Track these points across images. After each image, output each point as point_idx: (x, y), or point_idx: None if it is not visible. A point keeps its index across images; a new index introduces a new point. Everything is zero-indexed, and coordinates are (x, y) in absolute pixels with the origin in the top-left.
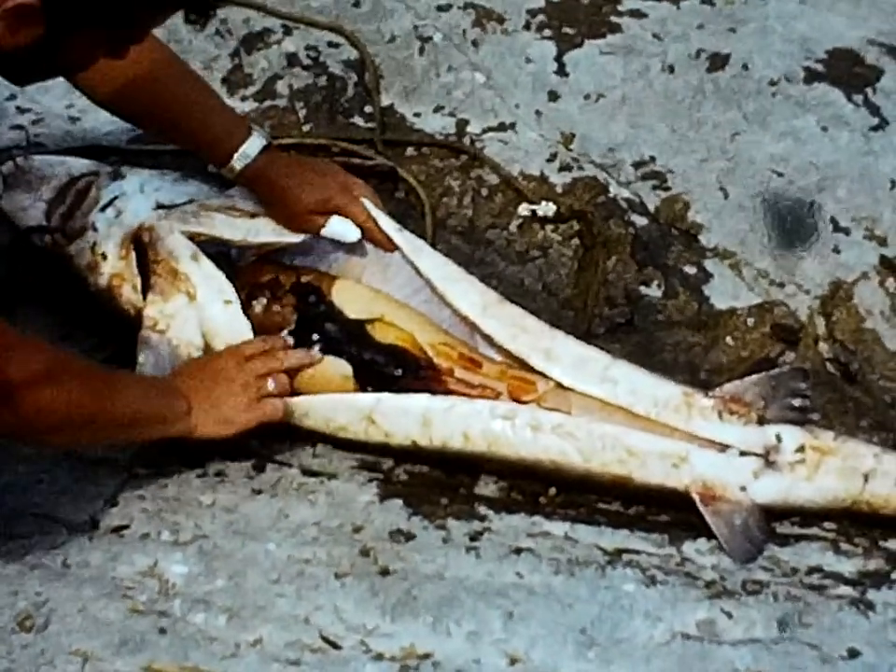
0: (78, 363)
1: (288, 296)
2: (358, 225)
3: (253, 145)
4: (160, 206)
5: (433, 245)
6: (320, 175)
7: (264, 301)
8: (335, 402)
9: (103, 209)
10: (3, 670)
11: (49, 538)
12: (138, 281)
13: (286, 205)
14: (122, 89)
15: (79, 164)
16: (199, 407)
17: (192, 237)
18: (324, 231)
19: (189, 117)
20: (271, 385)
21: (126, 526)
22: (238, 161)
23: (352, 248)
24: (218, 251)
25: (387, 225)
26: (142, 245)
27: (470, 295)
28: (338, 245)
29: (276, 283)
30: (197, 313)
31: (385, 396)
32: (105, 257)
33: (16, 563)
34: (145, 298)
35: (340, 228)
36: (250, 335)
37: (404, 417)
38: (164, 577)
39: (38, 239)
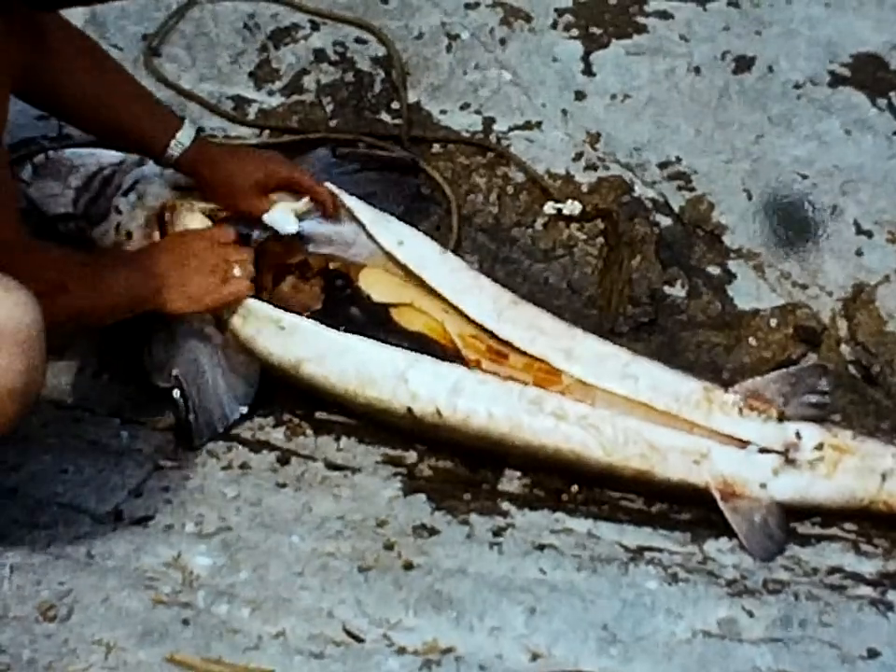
0: (73, 259)
1: (317, 278)
2: (311, 197)
3: (187, 132)
4: (178, 188)
5: (459, 242)
6: (260, 157)
7: (292, 280)
8: (373, 351)
9: (125, 193)
10: (26, 660)
11: (73, 528)
12: None
13: (228, 186)
14: (50, 88)
15: (107, 155)
16: (171, 285)
17: (211, 214)
18: (265, 218)
19: (120, 111)
20: (237, 271)
21: (150, 518)
22: (175, 149)
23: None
24: (238, 231)
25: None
26: (164, 224)
27: (482, 302)
28: (366, 238)
29: (305, 265)
30: None
31: (425, 357)
32: (129, 235)
33: (40, 553)
34: None
35: (280, 216)
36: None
37: (436, 381)
38: (188, 568)
39: (64, 226)
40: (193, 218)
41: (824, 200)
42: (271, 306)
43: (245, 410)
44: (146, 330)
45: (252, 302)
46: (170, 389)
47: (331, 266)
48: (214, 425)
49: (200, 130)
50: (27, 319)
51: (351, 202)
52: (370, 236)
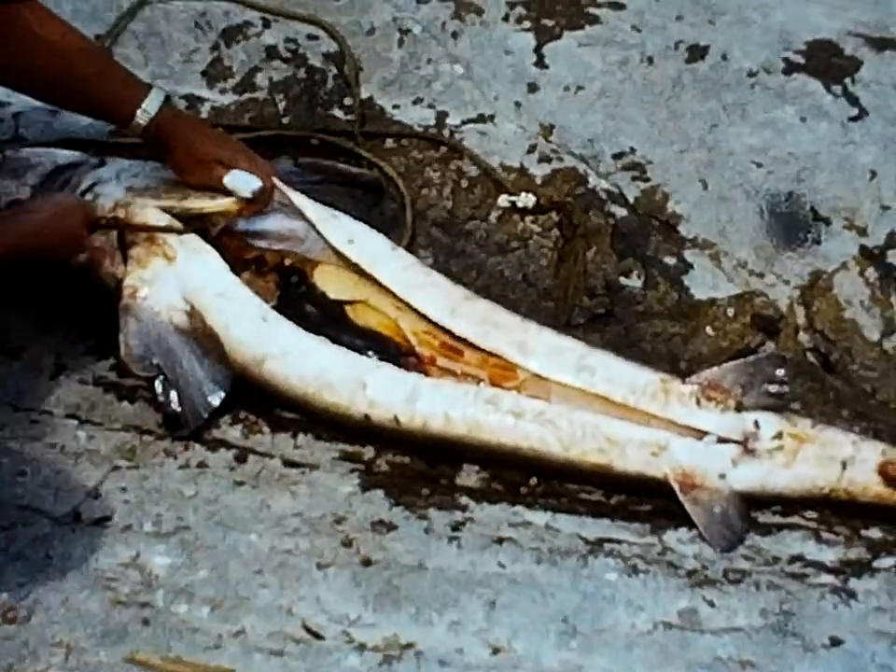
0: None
1: (272, 273)
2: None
3: (153, 101)
4: (133, 190)
5: (413, 237)
6: (225, 138)
7: (248, 275)
8: (334, 353)
9: (82, 193)
10: None
11: (31, 529)
12: (118, 254)
13: (190, 154)
14: (14, 60)
15: (65, 155)
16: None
17: (166, 210)
18: (226, 180)
19: (85, 81)
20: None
21: (108, 518)
22: (141, 118)
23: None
24: (194, 228)
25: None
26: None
27: (435, 299)
28: (316, 233)
29: (261, 260)
30: (176, 275)
31: (385, 364)
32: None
33: None
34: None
35: (241, 177)
36: (238, 287)
37: (394, 388)
38: (147, 568)
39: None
40: (149, 213)
41: (780, 187)
42: (256, 294)
43: (223, 394)
44: (110, 327)
45: (235, 289)
46: (152, 379)
47: (287, 262)
48: (198, 411)
49: (168, 98)
50: None
51: (299, 199)
52: (319, 234)
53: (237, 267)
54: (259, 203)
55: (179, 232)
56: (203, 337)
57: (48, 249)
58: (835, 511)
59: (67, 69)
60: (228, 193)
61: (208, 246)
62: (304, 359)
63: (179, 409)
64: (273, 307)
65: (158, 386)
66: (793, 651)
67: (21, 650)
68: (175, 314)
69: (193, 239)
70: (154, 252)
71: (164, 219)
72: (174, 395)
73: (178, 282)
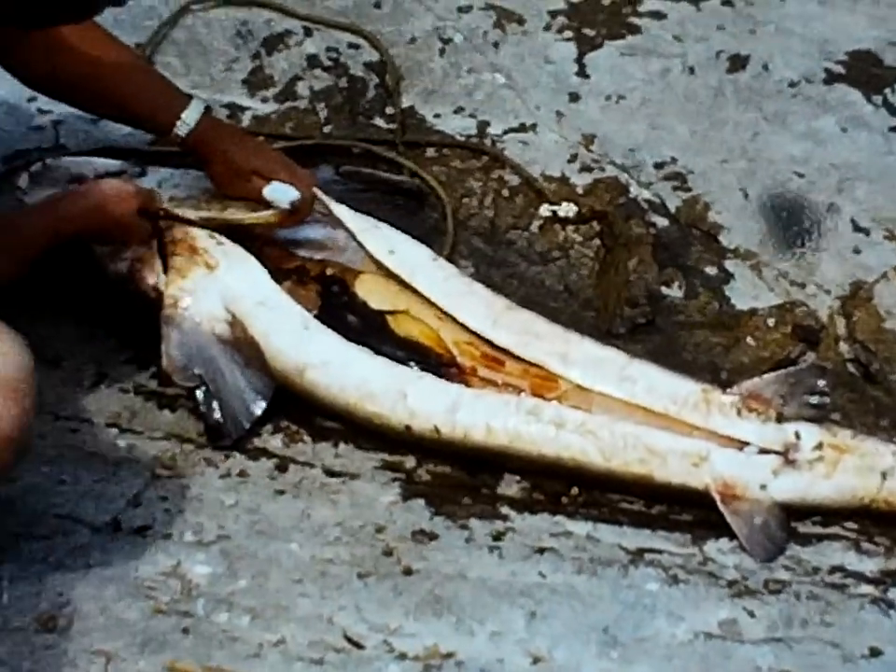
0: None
1: (313, 283)
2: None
3: (193, 111)
4: (174, 199)
5: (454, 247)
6: (265, 148)
7: (289, 284)
8: (376, 363)
9: None
10: (26, 671)
11: (71, 538)
12: (159, 263)
13: (228, 166)
14: (56, 68)
15: (106, 164)
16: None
17: (206, 222)
18: (265, 192)
19: (125, 90)
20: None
21: (149, 527)
22: (182, 127)
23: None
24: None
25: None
26: (159, 233)
27: (477, 309)
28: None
29: (303, 270)
30: (218, 284)
31: (427, 374)
32: (125, 243)
33: (38, 563)
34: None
35: (280, 188)
36: (280, 296)
37: (435, 399)
38: (187, 577)
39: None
40: (186, 227)
41: (821, 198)
42: (296, 302)
43: (265, 404)
44: (151, 337)
45: (276, 297)
46: (194, 388)
47: (328, 271)
48: (240, 421)
49: (208, 108)
50: (18, 366)
51: (340, 209)
52: (360, 245)
53: (278, 276)
54: (300, 214)
55: (228, 226)
56: (244, 346)
57: (97, 230)
58: (875, 521)
59: (107, 77)
60: (268, 205)
61: (249, 255)
62: (346, 369)
63: (221, 419)
64: (315, 316)
65: (199, 396)
66: (833, 662)
67: (60, 658)
68: (217, 323)
69: (234, 248)
70: (195, 261)
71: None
72: (215, 404)
73: (220, 291)
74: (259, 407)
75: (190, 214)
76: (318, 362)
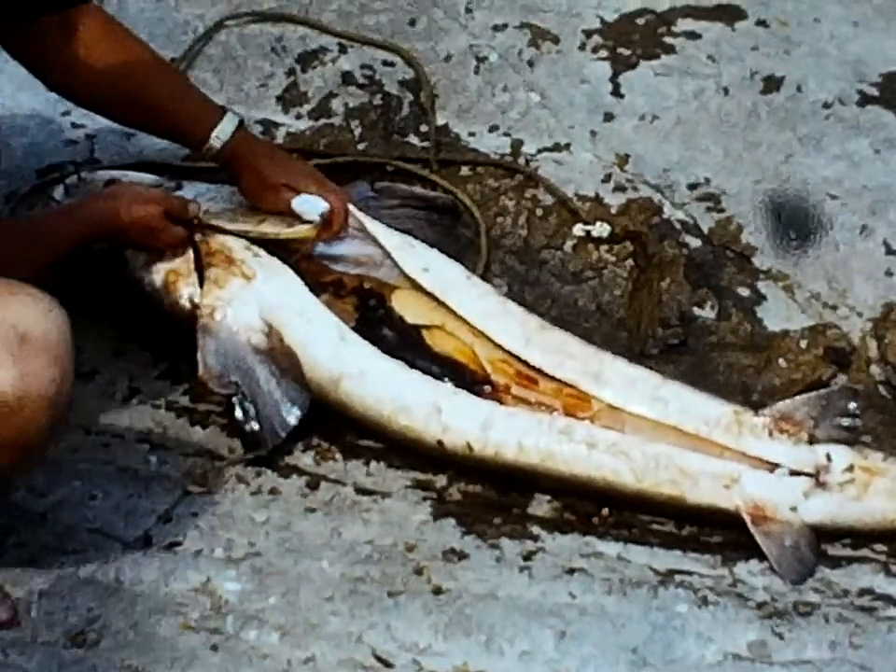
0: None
1: (350, 296)
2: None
3: (228, 125)
4: (209, 213)
5: (488, 265)
6: (296, 163)
7: (326, 297)
8: (411, 377)
9: None
10: None
11: (102, 553)
12: (195, 275)
13: (259, 180)
14: (92, 80)
15: (141, 178)
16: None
17: (241, 236)
18: (294, 204)
19: (160, 101)
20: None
21: (179, 543)
22: (216, 141)
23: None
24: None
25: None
26: (195, 244)
27: (510, 328)
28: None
29: (339, 283)
30: (255, 295)
31: (461, 390)
32: (160, 254)
33: (69, 578)
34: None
35: (308, 200)
36: (317, 307)
37: (469, 415)
38: (217, 594)
39: (97, 246)
40: (222, 238)
41: (854, 220)
42: (334, 314)
43: (301, 413)
44: (184, 352)
45: (314, 308)
46: (230, 396)
47: (365, 285)
48: (276, 430)
49: (241, 123)
50: (56, 327)
51: (374, 226)
52: (395, 262)
53: (315, 289)
54: (334, 229)
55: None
56: (281, 356)
57: (118, 232)
58: None
59: (142, 87)
60: (299, 218)
61: (286, 267)
62: (381, 381)
63: (258, 427)
64: (352, 329)
65: (236, 405)
66: None
67: None
68: (254, 333)
69: (271, 260)
70: (232, 272)
71: (242, 240)
72: (252, 412)
73: (257, 301)
74: (294, 416)
75: (227, 225)
76: (354, 373)
